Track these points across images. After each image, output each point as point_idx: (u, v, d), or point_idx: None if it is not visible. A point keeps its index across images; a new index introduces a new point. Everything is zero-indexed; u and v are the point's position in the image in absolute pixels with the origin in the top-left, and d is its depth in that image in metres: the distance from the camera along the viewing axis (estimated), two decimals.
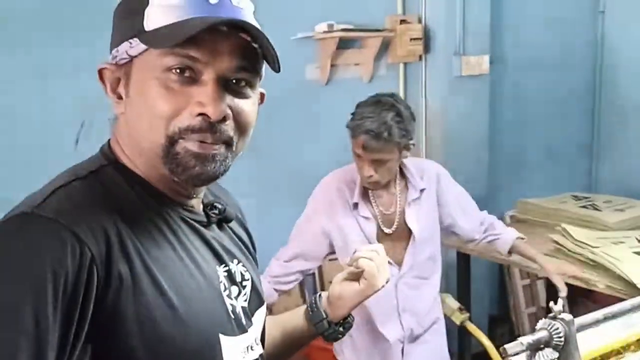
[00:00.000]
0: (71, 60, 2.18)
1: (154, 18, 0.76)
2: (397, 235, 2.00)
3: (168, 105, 0.75)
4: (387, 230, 1.98)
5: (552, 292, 2.94)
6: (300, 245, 2.02)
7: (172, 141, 0.76)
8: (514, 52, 3.30)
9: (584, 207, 2.76)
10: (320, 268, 3.09)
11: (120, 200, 0.77)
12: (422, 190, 2.03)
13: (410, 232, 2.00)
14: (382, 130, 1.83)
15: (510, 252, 2.18)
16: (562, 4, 3.45)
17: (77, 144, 2.23)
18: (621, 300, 1.28)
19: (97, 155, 0.84)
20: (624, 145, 3.59)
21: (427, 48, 2.96)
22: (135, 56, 0.77)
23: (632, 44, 3.44)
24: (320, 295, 1.09)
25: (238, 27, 0.76)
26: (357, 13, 2.79)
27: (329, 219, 1.99)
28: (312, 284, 2.98)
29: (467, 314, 2.36)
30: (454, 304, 2.28)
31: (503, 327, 3.34)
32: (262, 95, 0.86)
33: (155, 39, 0.75)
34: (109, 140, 0.85)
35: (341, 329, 1.09)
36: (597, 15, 3.59)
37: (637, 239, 2.32)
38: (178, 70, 0.75)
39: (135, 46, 0.76)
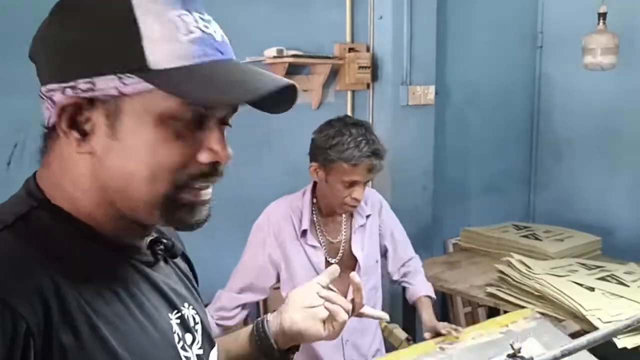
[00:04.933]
0: (2, 79, 2.05)
1: (161, 54, 0.65)
2: (342, 265, 1.94)
3: (180, 155, 0.68)
4: (332, 260, 1.94)
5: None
6: (248, 276, 1.96)
7: (177, 190, 0.70)
8: (458, 84, 3.38)
9: (525, 236, 2.82)
10: (265, 299, 3.02)
11: (58, 252, 0.66)
12: (367, 217, 2.01)
13: (355, 261, 1.97)
14: (380, 148, 1.81)
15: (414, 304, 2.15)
16: (504, 38, 3.57)
17: (9, 167, 2.09)
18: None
19: (21, 195, 0.72)
20: (559, 177, 3.73)
21: (375, 77, 2.98)
22: (128, 94, 0.66)
23: (566, 78, 3.59)
24: (267, 321, 1.03)
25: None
26: (307, 40, 2.78)
27: (276, 248, 1.93)
28: (255, 316, 2.90)
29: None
30: (401, 334, 2.25)
31: None
32: None
33: (181, 87, 0.64)
34: (34, 175, 0.73)
35: (292, 355, 1.05)
36: (536, 51, 3.74)
37: (579, 263, 2.38)
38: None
39: (132, 84, 0.65)
